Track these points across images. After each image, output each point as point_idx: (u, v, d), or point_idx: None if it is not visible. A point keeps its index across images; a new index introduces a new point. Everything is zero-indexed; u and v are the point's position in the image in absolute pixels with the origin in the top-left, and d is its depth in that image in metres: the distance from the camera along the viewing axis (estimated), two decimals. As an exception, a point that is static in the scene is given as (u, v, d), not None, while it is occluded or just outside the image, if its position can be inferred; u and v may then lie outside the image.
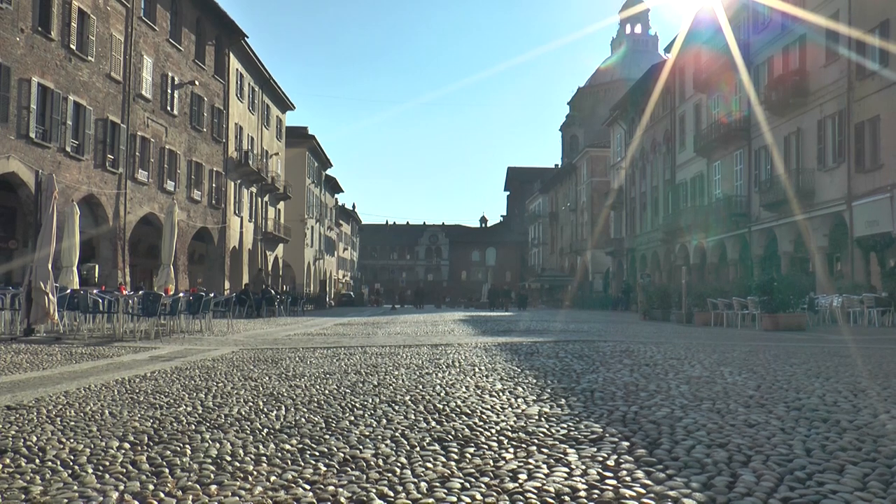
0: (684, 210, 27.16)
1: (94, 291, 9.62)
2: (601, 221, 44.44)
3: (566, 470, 2.17)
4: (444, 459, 2.29)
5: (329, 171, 53.41)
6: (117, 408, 3.23)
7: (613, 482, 2.05)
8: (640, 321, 16.49)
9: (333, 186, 56.94)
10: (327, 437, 2.60)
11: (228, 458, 2.33)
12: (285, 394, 3.70)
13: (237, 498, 1.96)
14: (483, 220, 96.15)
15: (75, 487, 2.04)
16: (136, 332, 8.76)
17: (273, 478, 2.13)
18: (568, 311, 30.72)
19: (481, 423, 2.80)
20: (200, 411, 3.16)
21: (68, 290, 9.08)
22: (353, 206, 79.73)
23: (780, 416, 2.89)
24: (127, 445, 2.48)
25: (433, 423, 2.82)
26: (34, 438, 2.58)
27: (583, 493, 1.96)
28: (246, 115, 29.22)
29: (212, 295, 11.65)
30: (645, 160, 34.30)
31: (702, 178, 26.26)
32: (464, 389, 3.79)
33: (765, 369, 4.64)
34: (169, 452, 2.40)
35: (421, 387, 3.93)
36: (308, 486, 2.04)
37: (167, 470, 2.20)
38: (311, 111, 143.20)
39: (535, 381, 4.12)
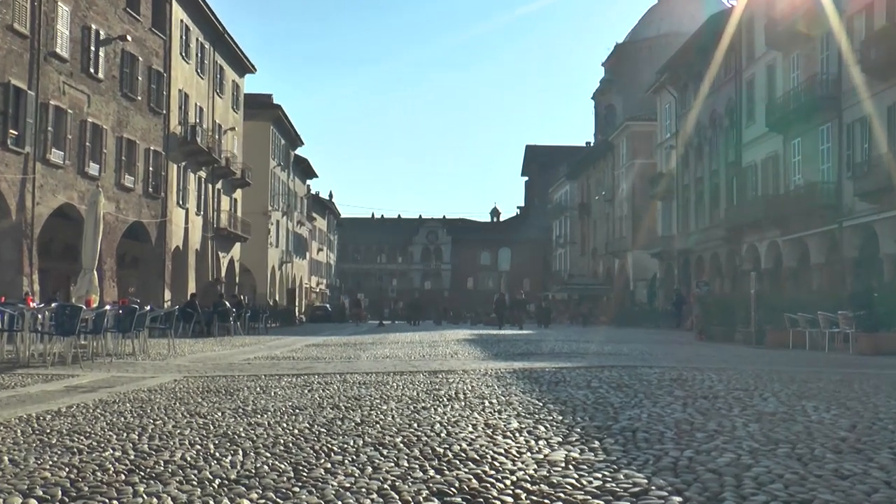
0: (753, 201, 27.09)
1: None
2: (645, 215, 44.56)
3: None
4: (445, 520, 2.27)
5: (299, 151, 53.71)
6: (21, 453, 3.17)
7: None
8: (695, 341, 16.50)
9: (305, 170, 57.22)
10: (296, 490, 2.56)
11: (169, 519, 2.31)
12: (243, 434, 3.69)
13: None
14: (494, 212, 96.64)
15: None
16: (47, 356, 8.62)
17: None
18: (603, 329, 30.71)
19: (492, 473, 2.79)
20: (132, 457, 3.16)
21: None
22: (330, 196, 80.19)
23: (882, 466, 2.82)
24: (34, 502, 2.41)
25: (431, 473, 2.81)
26: None
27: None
28: (193, 80, 29.20)
29: (148, 308, 11.71)
30: (702, 137, 34.36)
31: (776, 160, 26.23)
32: (470, 429, 3.79)
33: (861, 404, 4.60)
34: (91, 511, 2.35)
35: (416, 425, 3.92)
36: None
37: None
38: (276, 75, 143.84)
39: (560, 417, 4.11)
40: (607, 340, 15.91)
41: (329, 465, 2.96)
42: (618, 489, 2.52)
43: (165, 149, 26.03)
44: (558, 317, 45.59)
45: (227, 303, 19.75)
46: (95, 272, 11.99)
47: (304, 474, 2.79)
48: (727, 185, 31.09)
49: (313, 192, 66.82)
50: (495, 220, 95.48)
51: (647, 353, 10.65)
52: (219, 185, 33.52)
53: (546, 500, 2.42)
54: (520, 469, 2.84)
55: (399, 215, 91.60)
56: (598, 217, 53.74)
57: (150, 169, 24.84)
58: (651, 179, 40.40)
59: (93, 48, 20.56)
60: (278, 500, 2.45)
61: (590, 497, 2.44)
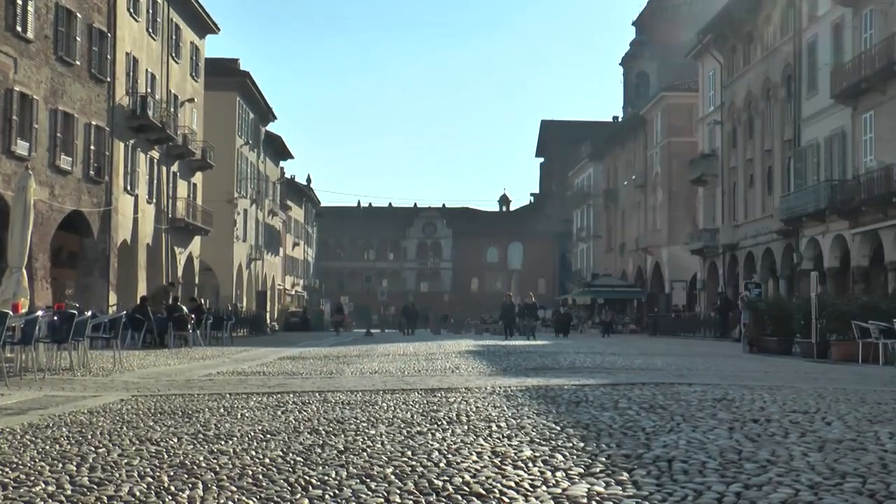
0: (815, 187, 27.10)
1: None
2: (684, 204, 44.66)
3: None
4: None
5: (272, 127, 53.76)
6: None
7: None
8: (744, 354, 16.54)
9: (278, 150, 57.27)
10: (265, 530, 2.56)
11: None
12: (203, 464, 3.70)
13: None
14: (504, 200, 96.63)
15: None
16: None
17: None
18: (633, 339, 30.79)
19: (502, 510, 2.78)
20: (69, 492, 3.15)
21: None
22: (309, 180, 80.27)
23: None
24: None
25: (428, 510, 2.81)
26: None
27: None
28: (144, 42, 29.28)
29: (89, 314, 11.70)
30: (753, 111, 34.37)
31: (843, 138, 26.24)
32: (474, 458, 3.79)
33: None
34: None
35: (410, 453, 3.93)
36: None
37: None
38: (243, 36, 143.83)
39: (581, 444, 4.12)
40: (638, 353, 15.93)
41: (306, 502, 2.96)
42: (651, 530, 2.50)
43: (110, 124, 26.03)
44: (579, 324, 45.70)
45: (184, 308, 19.77)
46: (24, 271, 11.98)
47: (276, 512, 2.78)
48: (783, 167, 31.10)
49: (288, 175, 66.98)
50: (505, 209, 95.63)
51: (685, 368, 10.67)
52: (174, 168, 33.55)
53: (565, 543, 2.44)
54: (534, 506, 2.83)
55: (390, 203, 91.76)
56: (627, 206, 53.85)
57: (92, 148, 24.84)
58: (691, 161, 40.41)
59: (20, 2, 20.58)
60: (245, 542, 2.48)
61: (618, 539, 2.44)
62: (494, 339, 26.89)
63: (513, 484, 3.20)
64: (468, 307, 72.63)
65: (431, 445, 4.14)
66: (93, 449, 4.13)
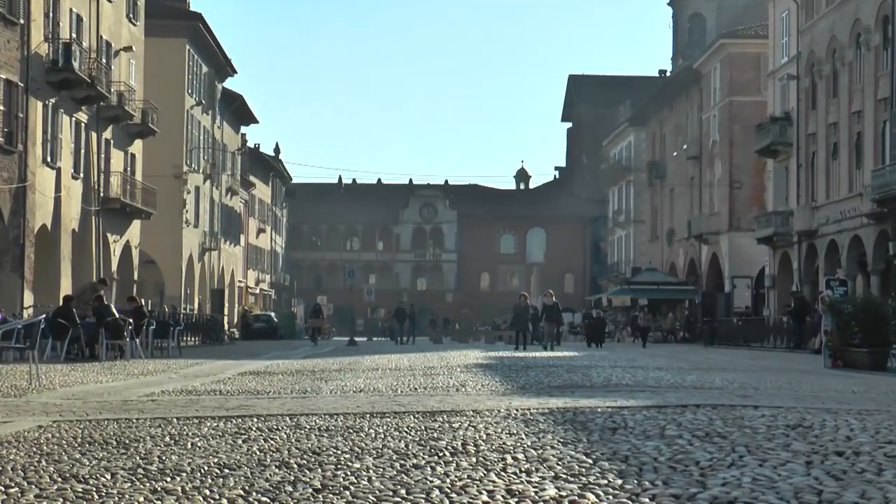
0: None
1: None
2: (750, 180, 44.65)
3: None
4: None
5: (231, 84, 53.88)
6: None
7: None
8: (825, 369, 16.53)
9: (239, 113, 57.38)
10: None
11: None
12: (141, 506, 3.70)
13: None
14: (521, 176, 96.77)
15: None
16: None
17: None
18: (684, 349, 30.79)
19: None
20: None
21: None
22: (277, 151, 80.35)
23: None
24: None
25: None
26: None
27: None
28: (66, -27, 29.63)
29: None
30: (837, 62, 34.26)
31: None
32: (485, 498, 3.79)
33: None
34: None
35: (404, 492, 3.93)
36: None
37: None
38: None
39: (619, 482, 4.12)
40: (690, 367, 15.94)
41: (272, 553, 2.98)
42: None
43: (24, 78, 26.02)
44: (615, 332, 45.73)
45: (116, 312, 19.78)
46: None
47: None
48: (876, 133, 30.99)
49: (251, 144, 67.02)
50: (522, 187, 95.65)
51: (750, 387, 10.67)
52: (107, 134, 33.55)
53: None
54: (560, 559, 2.87)
55: (379, 180, 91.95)
56: (676, 183, 53.85)
57: (1, 108, 24.84)
58: (758, 126, 40.30)
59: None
60: None
61: None
62: (510, 349, 26.98)
63: (533, 532, 3.21)
64: (477, 310, 72.66)
65: (431, 482, 4.13)
66: (2, 489, 4.13)
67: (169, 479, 4.30)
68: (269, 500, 3.78)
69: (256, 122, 61.02)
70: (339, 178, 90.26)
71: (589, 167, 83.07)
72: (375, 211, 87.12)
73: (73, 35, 29.36)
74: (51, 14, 27.90)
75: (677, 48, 69.08)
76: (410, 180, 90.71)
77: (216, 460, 4.88)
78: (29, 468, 4.69)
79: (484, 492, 3.90)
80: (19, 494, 3.97)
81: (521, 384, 10.98)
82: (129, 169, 36.04)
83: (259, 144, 71.01)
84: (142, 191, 36.46)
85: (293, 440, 5.68)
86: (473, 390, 10.09)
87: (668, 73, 68.31)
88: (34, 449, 5.41)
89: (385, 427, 6.28)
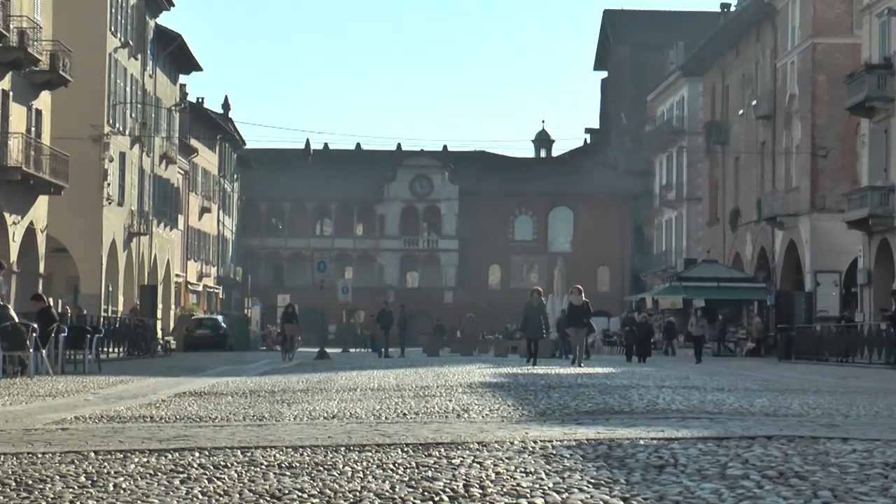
0: None
1: None
2: (839, 148, 44.37)
3: None
4: None
5: (166, 21, 53.70)
6: None
7: None
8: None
9: (178, 58, 57.20)
10: None
11: None
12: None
13: None
14: (542, 140, 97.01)
15: None
16: None
17: None
18: (753, 364, 30.64)
19: None
20: None
21: None
22: (227, 107, 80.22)
23: None
24: None
25: None
26: None
27: None
28: None
29: None
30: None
31: None
32: (494, 557, 3.78)
33: None
34: None
35: (387, 549, 3.91)
36: None
37: None
38: None
39: (671, 536, 4.10)
40: (760, 387, 15.93)
41: None
42: None
43: None
44: (664, 341, 45.63)
45: (17, 314, 19.71)
46: None
47: None
48: None
49: (194, 99, 66.86)
50: (543, 154, 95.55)
51: (837, 413, 10.66)
52: (4, 84, 33.44)
53: None
54: None
55: (358, 145, 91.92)
56: (743, 149, 53.82)
57: None
58: (849, 77, 40.19)
59: None
60: None
61: None
62: (525, 365, 26.92)
63: None
64: (484, 313, 72.82)
65: (424, 536, 4.13)
66: None
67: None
68: (214, 558, 3.77)
69: (200, 69, 60.91)
70: (307, 143, 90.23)
71: (629, 129, 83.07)
72: (354, 185, 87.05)
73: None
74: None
75: (744, -25, 68.72)
76: (399, 146, 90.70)
77: (147, 507, 4.87)
78: None
79: (492, 547, 3.89)
80: None
81: (540, 409, 10.97)
82: (33, 129, 35.94)
83: (203, 98, 71.04)
84: (50, 158, 36.32)
85: (246, 481, 5.66)
86: (479, 416, 10.08)
87: (732, 8, 68.00)
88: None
89: (365, 464, 6.27)
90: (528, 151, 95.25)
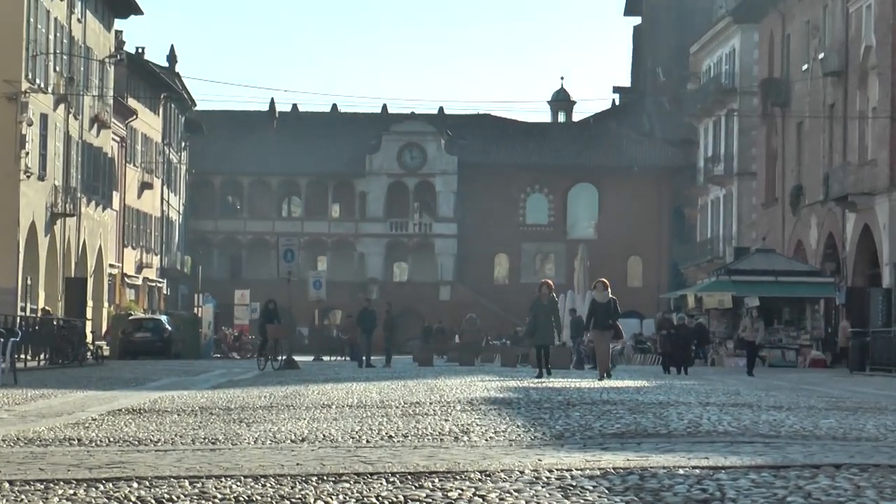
0: None
1: None
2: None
3: None
4: None
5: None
6: None
7: None
8: None
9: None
10: None
11: None
12: None
13: None
14: (560, 102, 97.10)
15: None
16: None
17: None
18: (819, 376, 30.54)
19: None
20: None
21: None
22: (173, 59, 79.98)
23: None
24: None
25: None
26: None
27: None
28: None
29: None
30: None
31: None
32: None
33: None
34: None
35: None
36: None
37: None
38: None
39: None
40: (828, 405, 15.93)
41: None
42: None
43: None
44: (709, 349, 45.53)
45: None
46: None
47: None
48: None
49: (132, 49, 66.62)
50: (562, 119, 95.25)
51: (921, 437, 10.65)
52: None
53: None
54: None
55: (335, 106, 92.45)
56: (806, 113, 53.71)
57: None
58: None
59: None
60: None
61: None
62: (538, 376, 26.89)
63: None
64: (489, 313, 72.84)
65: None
66: None
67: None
68: None
69: (140, 12, 60.56)
70: (272, 104, 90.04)
71: (667, 88, 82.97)
72: (329, 155, 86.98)
73: None
74: None
75: None
76: (384, 107, 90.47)
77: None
78: None
79: None
80: None
81: (557, 431, 10.98)
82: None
83: (144, 49, 70.76)
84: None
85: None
86: (482, 439, 10.09)
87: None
88: None
89: (342, 497, 6.28)
90: (544, 115, 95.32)
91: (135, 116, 65.36)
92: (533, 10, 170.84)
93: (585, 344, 36.43)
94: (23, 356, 26.68)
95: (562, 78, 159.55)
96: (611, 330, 27.57)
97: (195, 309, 67.29)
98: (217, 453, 8.88)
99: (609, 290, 27.34)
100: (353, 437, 10.28)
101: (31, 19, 44.15)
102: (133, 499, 6.27)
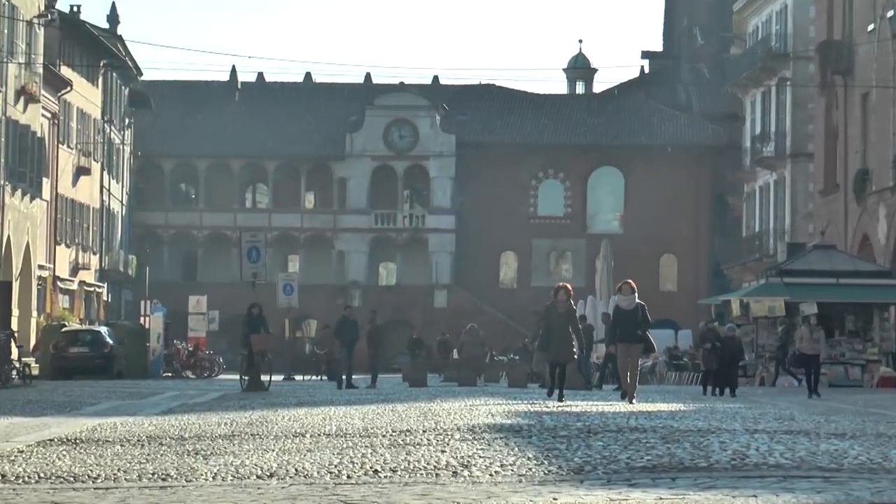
0: None
1: None
2: None
3: None
4: None
5: None
6: None
7: None
8: None
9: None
10: None
11: None
12: None
13: None
14: (579, 68, 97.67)
15: None
16: None
17: None
18: (887, 397, 30.32)
19: None
20: None
21: None
22: (114, 20, 79.39)
23: None
24: None
25: None
26: None
27: None
28: None
29: None
30: None
31: None
32: None
33: None
34: None
35: None
36: None
37: None
38: None
39: None
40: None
41: None
42: None
43: None
44: (758, 365, 45.43)
45: None
46: None
47: None
48: None
49: (65, 7, 66.49)
50: (581, 89, 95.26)
51: None
52: None
53: None
54: None
55: (308, 75, 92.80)
56: (872, 82, 53.70)
57: None
58: None
59: None
60: None
61: None
62: (550, 398, 26.83)
63: None
64: (493, 323, 72.88)
65: None
66: None
67: None
68: None
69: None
70: (233, 73, 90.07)
71: (706, 53, 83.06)
72: (301, 134, 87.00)
73: None
74: None
75: None
76: (368, 76, 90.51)
77: None
78: None
79: None
80: None
81: (575, 464, 11.00)
82: None
83: (79, 7, 70.68)
84: None
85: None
86: (485, 474, 10.11)
87: None
88: None
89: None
90: (559, 85, 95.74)
91: (69, 88, 65.24)
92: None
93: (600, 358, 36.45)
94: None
95: (580, 41, 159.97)
96: (640, 342, 27.38)
97: (142, 319, 67.14)
98: (168, 492, 8.89)
99: (636, 293, 27.17)
100: (331, 472, 10.28)
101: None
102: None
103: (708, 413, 20.35)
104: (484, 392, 33.56)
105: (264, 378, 34.15)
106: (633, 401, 25.48)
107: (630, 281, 27.73)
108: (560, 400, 25.74)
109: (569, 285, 29.43)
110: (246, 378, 34.73)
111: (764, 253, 65.82)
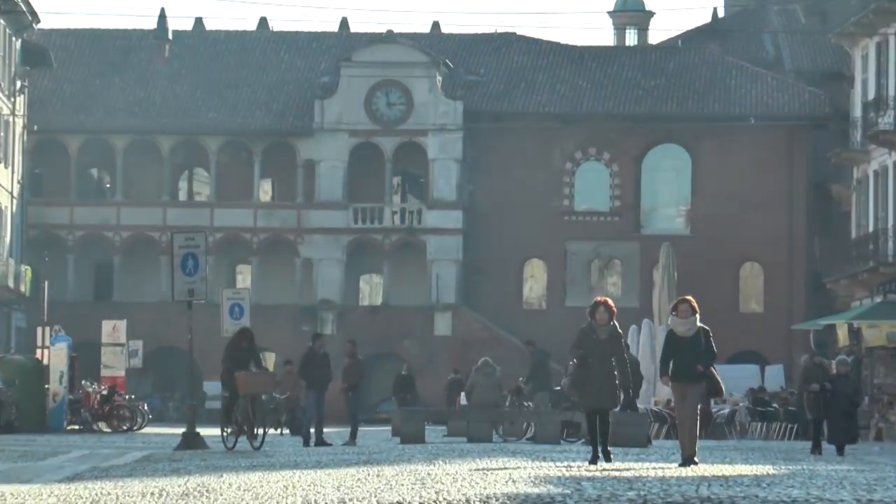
0: None
1: None
2: None
3: None
4: None
5: None
6: None
7: None
8: None
9: None
10: None
11: None
12: None
13: None
14: (629, 12, 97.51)
15: None
16: None
17: None
18: None
19: None
20: None
21: None
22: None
23: None
24: None
25: None
26: None
27: None
28: None
29: None
30: None
31: None
32: None
33: None
34: None
35: None
36: None
37: None
38: None
39: None
40: None
41: None
42: None
43: None
44: (882, 410, 45.67)
45: None
46: None
47: None
48: None
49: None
50: (631, 41, 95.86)
51: None
52: None
53: None
54: None
55: (264, 21, 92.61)
56: None
57: None
58: None
59: None
60: None
61: None
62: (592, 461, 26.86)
63: None
64: (515, 355, 73.20)
65: None
66: None
67: None
68: None
69: None
70: (161, 17, 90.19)
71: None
72: (254, 100, 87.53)
73: None
74: None
75: None
76: (345, 22, 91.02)
77: None
78: None
79: None
80: None
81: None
82: None
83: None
84: None
85: None
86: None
87: None
88: None
89: None
90: (603, 35, 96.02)
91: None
92: None
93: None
94: None
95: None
96: (700, 381, 27.09)
97: (38, 352, 67.45)
98: None
99: (698, 315, 26.75)
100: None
101: None
102: None
103: (806, 478, 20.37)
104: (502, 450, 33.68)
105: (258, 431, 34.04)
106: (695, 460, 25.30)
107: (689, 298, 27.16)
108: (607, 460, 25.62)
109: (611, 301, 28.74)
110: (227, 431, 34.79)
111: (881, 261, 65.93)
